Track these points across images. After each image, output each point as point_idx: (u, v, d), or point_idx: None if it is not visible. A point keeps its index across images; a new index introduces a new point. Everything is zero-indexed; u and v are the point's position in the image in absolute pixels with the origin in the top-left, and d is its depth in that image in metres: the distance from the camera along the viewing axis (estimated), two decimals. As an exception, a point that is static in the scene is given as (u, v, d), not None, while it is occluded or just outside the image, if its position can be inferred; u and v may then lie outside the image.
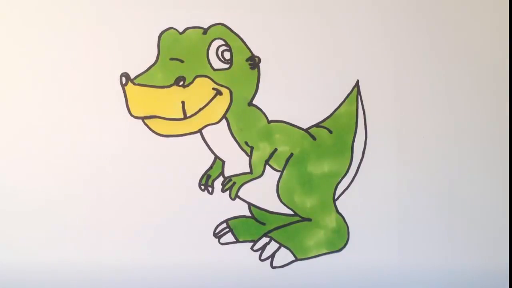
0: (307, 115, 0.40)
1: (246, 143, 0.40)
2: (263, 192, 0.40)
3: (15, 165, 0.40)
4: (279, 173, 0.40)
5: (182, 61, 0.40)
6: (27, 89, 0.40)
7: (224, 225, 0.40)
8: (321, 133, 0.40)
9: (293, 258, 0.40)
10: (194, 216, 0.40)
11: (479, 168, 0.40)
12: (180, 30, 0.40)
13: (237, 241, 0.40)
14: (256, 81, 0.40)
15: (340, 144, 0.41)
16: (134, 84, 0.40)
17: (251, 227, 0.40)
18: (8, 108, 0.40)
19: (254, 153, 0.40)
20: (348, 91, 0.40)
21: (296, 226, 0.41)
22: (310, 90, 0.39)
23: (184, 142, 0.40)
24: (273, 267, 0.40)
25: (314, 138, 0.41)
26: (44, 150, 0.40)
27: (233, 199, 0.40)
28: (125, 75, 0.40)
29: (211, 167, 0.40)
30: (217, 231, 0.40)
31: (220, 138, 0.40)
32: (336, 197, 0.41)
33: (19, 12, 0.40)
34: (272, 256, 0.40)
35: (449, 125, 0.40)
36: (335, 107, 0.40)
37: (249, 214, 0.41)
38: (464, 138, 0.40)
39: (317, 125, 0.40)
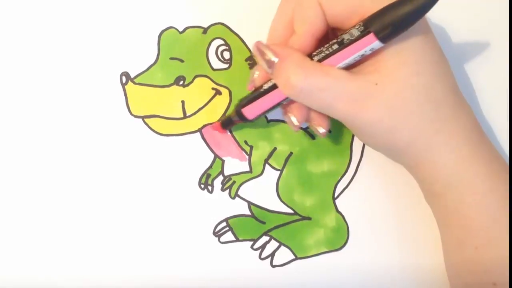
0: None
1: (246, 142, 0.41)
2: (263, 191, 0.41)
3: (13, 165, 0.40)
4: (278, 172, 0.41)
5: (182, 61, 0.40)
6: (26, 89, 0.40)
7: (224, 224, 0.40)
8: (320, 132, 0.41)
9: (293, 257, 0.40)
10: (193, 215, 0.40)
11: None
12: (180, 30, 0.40)
13: (237, 240, 0.40)
14: (255, 81, 0.41)
15: (339, 143, 0.41)
16: (134, 83, 0.40)
17: (251, 226, 0.41)
18: (6, 108, 0.40)
19: (254, 152, 0.41)
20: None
21: (296, 225, 0.41)
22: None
23: (184, 142, 0.40)
24: (273, 266, 0.40)
25: (313, 137, 0.41)
26: (43, 150, 0.40)
27: (233, 198, 0.41)
28: (125, 74, 0.40)
29: (210, 166, 0.40)
30: (216, 230, 0.40)
31: (220, 137, 0.40)
32: (335, 196, 0.41)
33: (18, 11, 0.40)
34: (272, 255, 0.40)
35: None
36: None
37: (249, 213, 0.41)
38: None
39: (316, 124, 0.40)
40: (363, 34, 0.31)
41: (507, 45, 0.41)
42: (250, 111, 0.37)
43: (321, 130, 0.36)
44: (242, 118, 0.37)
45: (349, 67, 0.34)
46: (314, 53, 0.34)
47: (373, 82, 0.32)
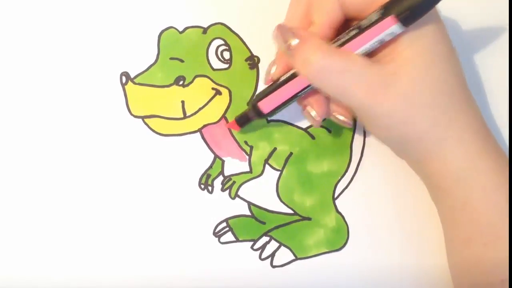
0: (306, 115, 0.40)
1: (246, 142, 0.41)
2: (263, 191, 0.41)
3: (13, 165, 0.40)
4: (278, 172, 0.41)
5: (182, 61, 0.40)
6: (26, 89, 0.40)
7: (224, 224, 0.40)
8: (320, 132, 0.41)
9: (293, 257, 0.40)
10: (193, 215, 0.40)
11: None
12: (180, 30, 0.40)
13: (237, 240, 0.40)
14: (255, 81, 0.41)
15: (339, 143, 0.41)
16: (134, 83, 0.40)
17: (251, 226, 0.40)
18: (7, 108, 0.40)
19: (254, 153, 0.41)
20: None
21: (296, 225, 0.41)
22: (309, 89, 0.39)
23: (184, 142, 0.40)
24: (273, 266, 0.40)
25: (313, 137, 0.41)
26: (43, 150, 0.40)
27: (233, 198, 0.40)
28: (125, 74, 0.40)
29: (210, 167, 0.40)
30: (217, 230, 0.40)
31: (220, 137, 0.40)
32: (335, 196, 0.41)
33: (18, 11, 0.40)
34: (272, 255, 0.40)
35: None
36: (334, 106, 0.40)
37: (249, 213, 0.41)
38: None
39: (316, 124, 0.40)
40: (382, 17, 0.31)
41: (507, 44, 0.41)
42: (266, 105, 0.36)
43: (345, 119, 0.36)
44: (258, 112, 0.37)
45: (369, 56, 0.34)
46: (333, 41, 0.34)
47: (391, 72, 0.32)
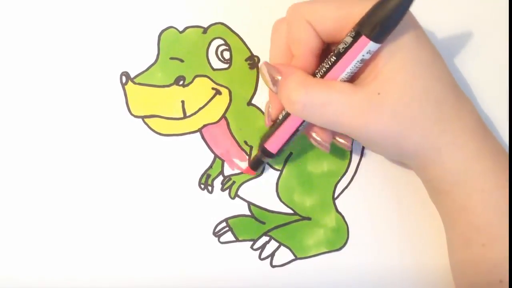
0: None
1: (246, 142, 0.41)
2: (263, 191, 0.41)
3: (12, 165, 0.40)
4: (278, 172, 0.41)
5: (182, 61, 0.40)
6: (26, 89, 0.40)
7: (224, 224, 0.40)
8: (320, 132, 0.41)
9: (293, 257, 0.40)
10: (193, 215, 0.40)
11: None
12: (180, 29, 0.40)
13: (237, 240, 0.40)
14: (255, 81, 0.41)
15: (339, 143, 0.41)
16: (134, 83, 0.40)
17: (251, 226, 0.41)
18: (7, 108, 0.40)
19: (254, 153, 0.41)
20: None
21: (296, 225, 0.41)
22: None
23: (184, 142, 0.40)
24: (273, 266, 0.40)
25: (313, 137, 0.41)
26: (43, 150, 0.40)
27: (233, 198, 0.41)
28: (125, 74, 0.40)
29: (210, 166, 0.40)
30: (216, 230, 0.40)
31: (220, 137, 0.40)
32: (335, 196, 0.41)
33: (18, 11, 0.40)
34: (272, 255, 0.40)
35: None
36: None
37: (248, 213, 0.41)
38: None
39: (316, 124, 0.40)
40: (355, 39, 0.32)
41: (506, 41, 0.41)
42: (272, 145, 0.37)
43: (345, 142, 0.37)
44: (268, 154, 0.37)
45: (353, 78, 0.34)
46: (316, 71, 0.34)
47: (375, 92, 0.32)
